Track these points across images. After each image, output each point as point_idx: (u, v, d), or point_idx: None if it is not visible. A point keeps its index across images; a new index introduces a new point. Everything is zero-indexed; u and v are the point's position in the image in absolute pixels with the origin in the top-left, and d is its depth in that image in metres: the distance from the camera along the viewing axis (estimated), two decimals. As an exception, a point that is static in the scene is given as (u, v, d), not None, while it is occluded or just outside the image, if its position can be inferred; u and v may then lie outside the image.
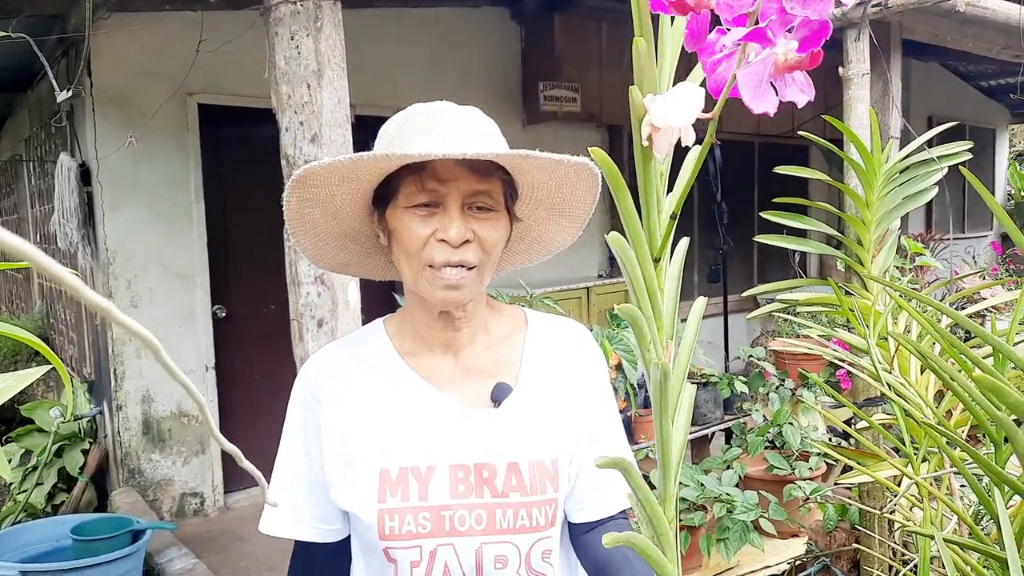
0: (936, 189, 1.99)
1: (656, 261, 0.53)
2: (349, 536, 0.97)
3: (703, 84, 0.47)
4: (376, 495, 0.88)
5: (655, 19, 0.48)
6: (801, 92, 0.44)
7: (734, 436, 3.17)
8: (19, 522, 3.37)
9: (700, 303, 0.66)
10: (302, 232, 0.94)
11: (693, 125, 0.47)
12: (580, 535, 0.95)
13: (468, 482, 0.89)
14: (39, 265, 0.20)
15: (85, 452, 3.74)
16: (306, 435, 0.95)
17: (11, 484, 3.70)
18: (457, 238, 0.84)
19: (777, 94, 0.43)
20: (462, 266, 0.86)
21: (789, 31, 0.42)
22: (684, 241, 0.63)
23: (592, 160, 0.86)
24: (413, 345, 0.96)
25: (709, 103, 0.46)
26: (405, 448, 0.90)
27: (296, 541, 0.98)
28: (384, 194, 0.89)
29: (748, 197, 6.22)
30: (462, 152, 0.80)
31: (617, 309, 0.52)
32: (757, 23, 0.42)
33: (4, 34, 1.11)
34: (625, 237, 0.53)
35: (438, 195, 0.85)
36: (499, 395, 0.93)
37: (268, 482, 0.99)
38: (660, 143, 0.46)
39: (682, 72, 0.50)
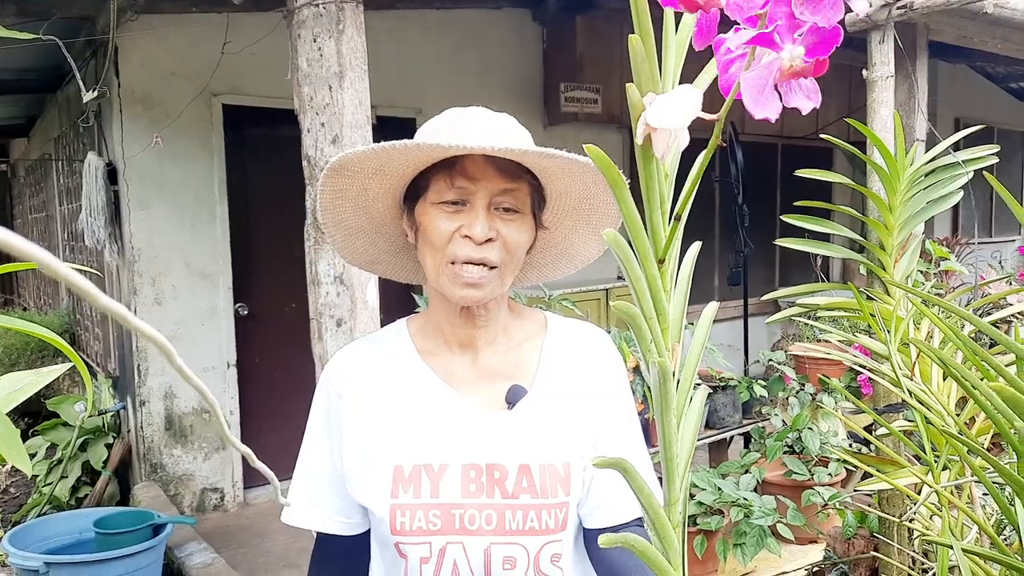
0: (961, 193, 1.96)
1: (660, 262, 0.53)
2: (369, 530, 0.98)
3: (715, 81, 0.46)
4: (389, 490, 0.90)
5: (660, 17, 0.47)
6: (807, 99, 0.43)
7: (753, 440, 3.15)
8: (44, 514, 3.43)
9: (711, 307, 0.66)
10: (334, 225, 0.96)
11: (700, 126, 0.47)
12: (594, 541, 0.95)
13: (479, 482, 0.90)
14: (56, 273, 0.20)
15: (109, 446, 3.81)
16: (328, 430, 0.97)
17: (37, 477, 3.78)
18: (481, 235, 0.86)
19: (781, 100, 0.42)
20: (483, 264, 0.87)
21: (798, 36, 0.41)
22: (696, 245, 0.63)
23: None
24: (433, 345, 0.97)
25: (719, 104, 0.45)
26: (419, 446, 0.91)
27: (317, 533, 1.00)
28: (414, 192, 0.91)
29: (771, 199, 6.16)
30: (491, 146, 0.81)
31: (613, 306, 0.52)
32: (767, 26, 0.42)
33: (34, 37, 1.14)
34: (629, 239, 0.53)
35: (466, 192, 0.87)
36: (513, 397, 0.94)
37: (291, 475, 1.01)
38: (657, 144, 0.46)
39: (695, 70, 0.50)
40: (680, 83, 0.53)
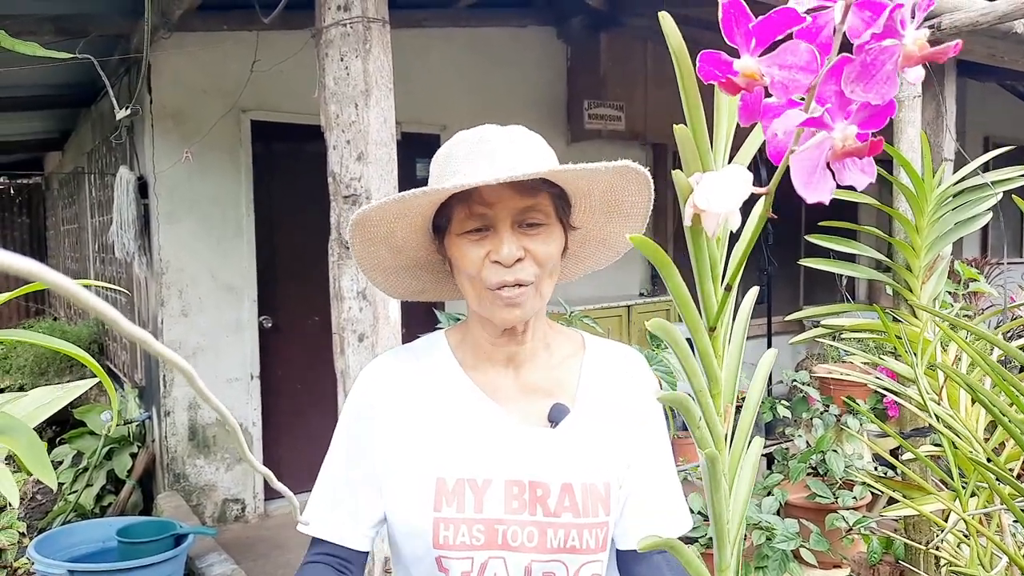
0: (990, 215, 1.93)
1: (712, 330, 0.53)
2: (365, 557, 0.96)
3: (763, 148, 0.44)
4: (432, 503, 0.89)
5: (711, 86, 0.45)
6: (863, 173, 0.40)
7: (776, 462, 3.11)
8: (69, 522, 3.47)
9: (769, 356, 0.65)
10: (372, 269, 0.98)
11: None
12: (626, 563, 0.95)
13: (522, 499, 0.90)
14: (87, 305, 0.21)
15: (133, 456, 3.85)
16: (358, 440, 0.96)
17: (62, 484, 3.83)
18: (509, 257, 0.87)
19: (835, 177, 0.40)
20: (518, 284, 0.88)
21: (851, 110, 0.39)
22: (753, 291, 0.62)
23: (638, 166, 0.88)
24: (475, 359, 0.98)
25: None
26: (463, 459, 0.91)
27: (317, 539, 0.97)
28: (441, 223, 0.92)
29: (795, 218, 6.11)
30: (495, 177, 0.82)
31: (659, 398, 0.51)
32: (816, 103, 0.39)
33: (70, 56, 1.17)
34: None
35: (486, 218, 0.88)
36: (557, 415, 0.94)
37: (311, 488, 1.01)
38: (707, 223, 0.45)
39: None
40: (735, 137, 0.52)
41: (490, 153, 0.88)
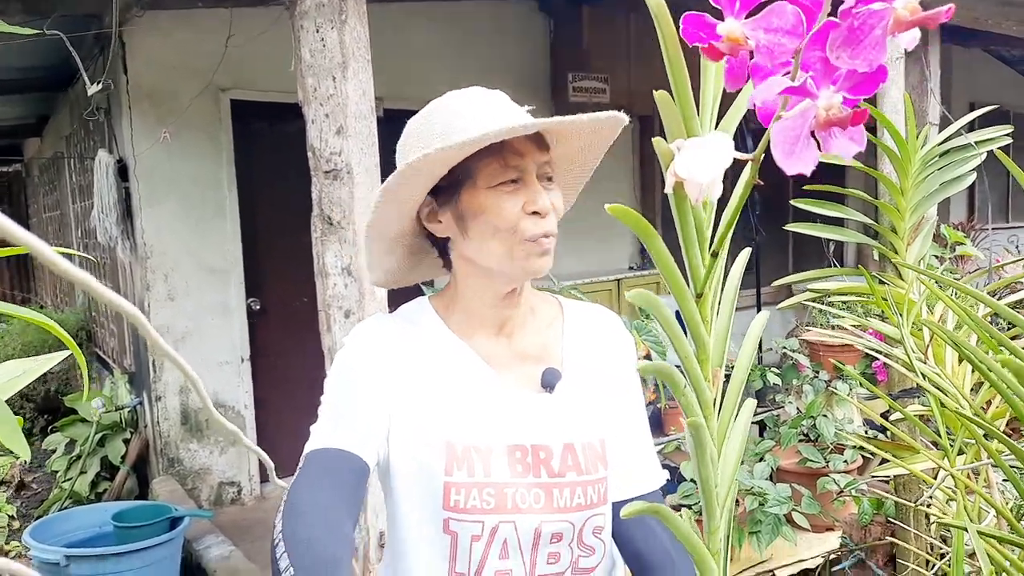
0: (974, 175, 1.93)
1: (699, 296, 0.52)
2: (365, 476, 0.89)
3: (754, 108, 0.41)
4: (443, 467, 0.89)
5: (697, 49, 0.43)
6: (851, 141, 0.38)
7: (767, 428, 3.13)
8: (65, 508, 3.47)
9: (761, 319, 0.64)
10: (378, 236, 0.95)
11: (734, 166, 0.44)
12: (616, 517, 0.97)
13: (525, 462, 0.91)
14: (46, 259, 0.20)
15: (126, 442, 3.84)
16: (336, 407, 0.91)
17: (57, 472, 3.82)
18: (546, 207, 0.89)
19: (820, 146, 0.38)
20: (548, 235, 0.90)
21: (837, 77, 0.37)
22: (744, 252, 0.62)
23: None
24: (467, 326, 0.97)
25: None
26: (468, 425, 0.92)
27: (320, 450, 0.89)
28: (448, 182, 0.90)
29: (782, 184, 6.12)
30: (561, 120, 0.85)
31: (640, 369, 0.51)
32: (801, 71, 0.38)
33: (37, 32, 1.14)
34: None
35: (520, 169, 0.89)
36: (550, 380, 0.96)
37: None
38: (689, 191, 0.44)
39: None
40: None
41: (506, 107, 0.91)
